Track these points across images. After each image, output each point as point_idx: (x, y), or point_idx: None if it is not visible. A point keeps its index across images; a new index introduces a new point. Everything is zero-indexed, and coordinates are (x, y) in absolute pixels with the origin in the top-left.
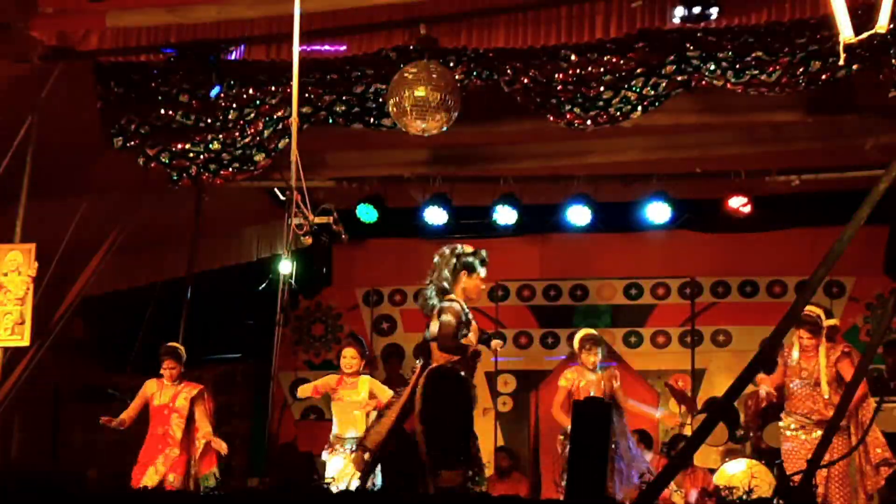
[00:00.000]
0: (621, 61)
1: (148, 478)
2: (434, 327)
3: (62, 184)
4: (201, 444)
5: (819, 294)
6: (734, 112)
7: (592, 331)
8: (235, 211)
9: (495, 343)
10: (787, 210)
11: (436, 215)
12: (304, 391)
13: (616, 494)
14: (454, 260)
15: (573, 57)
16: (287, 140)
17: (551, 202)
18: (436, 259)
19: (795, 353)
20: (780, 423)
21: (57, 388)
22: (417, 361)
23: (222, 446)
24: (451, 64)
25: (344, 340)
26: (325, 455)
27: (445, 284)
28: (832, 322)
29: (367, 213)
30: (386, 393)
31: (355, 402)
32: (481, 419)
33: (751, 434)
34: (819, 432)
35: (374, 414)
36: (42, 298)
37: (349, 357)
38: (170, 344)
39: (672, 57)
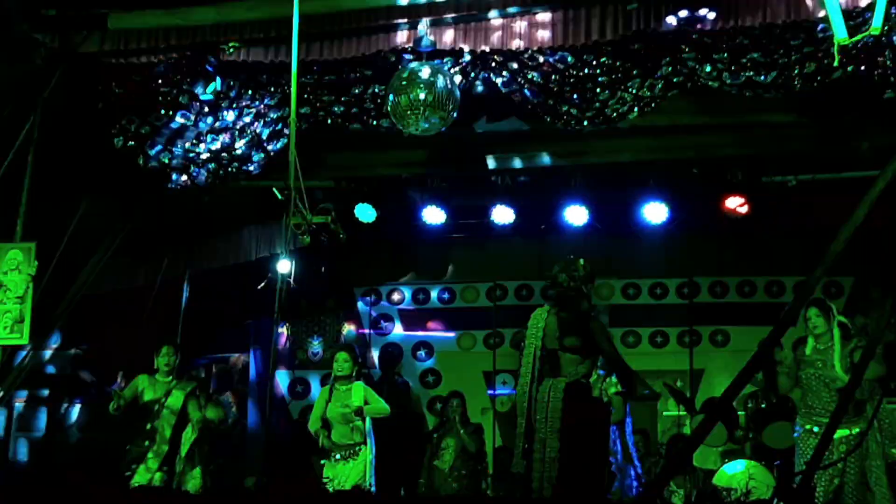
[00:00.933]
0: (617, 63)
1: (140, 475)
2: (572, 339)
3: (63, 184)
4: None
5: (816, 294)
6: (730, 113)
7: None
8: (234, 211)
9: None
10: (784, 211)
11: (434, 215)
12: (314, 425)
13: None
14: (589, 268)
15: (570, 58)
16: (286, 140)
17: (549, 202)
18: (571, 268)
19: (809, 348)
20: (795, 425)
21: (55, 387)
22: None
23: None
24: (450, 64)
25: (336, 345)
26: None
27: (586, 292)
28: (841, 318)
29: (365, 213)
30: (379, 401)
31: (349, 410)
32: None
33: (750, 435)
34: (841, 432)
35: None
36: (42, 297)
37: (341, 360)
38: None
39: (668, 58)
